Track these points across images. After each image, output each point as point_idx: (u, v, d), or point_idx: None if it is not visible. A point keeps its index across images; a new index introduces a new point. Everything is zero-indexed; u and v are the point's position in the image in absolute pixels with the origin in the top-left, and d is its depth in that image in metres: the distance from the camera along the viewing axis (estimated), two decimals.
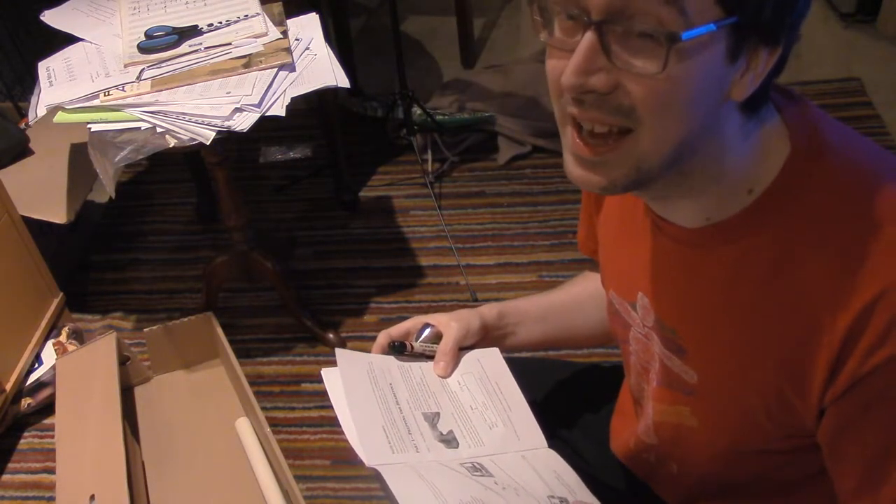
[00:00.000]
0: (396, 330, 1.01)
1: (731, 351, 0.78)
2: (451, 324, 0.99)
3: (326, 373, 0.96)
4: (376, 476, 0.82)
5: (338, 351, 0.96)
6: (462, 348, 1.00)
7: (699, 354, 0.82)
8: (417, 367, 0.98)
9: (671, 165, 0.71)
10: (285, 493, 1.20)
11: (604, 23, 0.64)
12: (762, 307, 0.74)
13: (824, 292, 0.69)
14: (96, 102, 1.52)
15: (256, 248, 1.97)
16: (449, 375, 0.98)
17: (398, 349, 0.98)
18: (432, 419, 0.93)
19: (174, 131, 1.48)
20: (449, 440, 0.91)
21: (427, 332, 1.01)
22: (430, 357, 1.00)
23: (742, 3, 0.64)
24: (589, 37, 0.65)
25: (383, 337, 0.99)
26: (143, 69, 1.59)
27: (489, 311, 1.04)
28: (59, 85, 1.58)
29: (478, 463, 0.88)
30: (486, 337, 1.03)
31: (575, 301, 1.10)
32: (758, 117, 0.72)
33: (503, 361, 1.01)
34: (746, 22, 0.65)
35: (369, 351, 1.00)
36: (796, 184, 0.71)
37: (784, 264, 0.72)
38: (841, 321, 0.68)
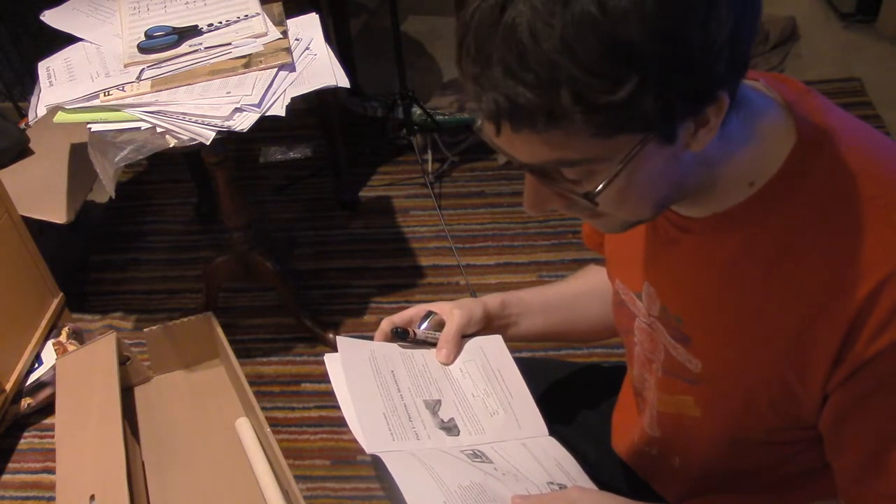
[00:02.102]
0: (399, 317, 1.01)
1: (736, 339, 0.78)
2: (454, 311, 0.99)
3: (329, 358, 0.96)
4: (377, 463, 0.82)
5: (339, 338, 0.96)
6: (464, 336, 1.00)
7: (704, 343, 0.82)
8: (420, 355, 0.98)
9: (661, 210, 0.74)
10: (285, 493, 1.20)
11: (531, 170, 0.68)
12: (766, 295, 0.74)
13: (828, 279, 0.69)
14: (96, 102, 1.52)
15: (256, 248, 1.97)
16: (451, 363, 0.98)
17: (400, 336, 0.98)
18: (433, 406, 0.92)
19: (174, 131, 1.48)
20: (450, 427, 0.91)
21: (430, 319, 1.01)
22: (433, 344, 0.99)
23: (647, 123, 0.61)
24: (528, 176, 0.70)
25: (386, 324, 0.99)
26: (143, 69, 1.59)
27: (492, 300, 1.04)
28: (59, 85, 1.58)
29: (478, 450, 0.88)
30: (489, 326, 1.02)
31: (578, 294, 1.10)
32: (741, 118, 0.71)
33: (506, 349, 1.00)
34: (659, 128, 0.63)
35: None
36: (799, 173, 0.71)
37: (787, 252, 0.72)
38: (846, 307, 0.68)
